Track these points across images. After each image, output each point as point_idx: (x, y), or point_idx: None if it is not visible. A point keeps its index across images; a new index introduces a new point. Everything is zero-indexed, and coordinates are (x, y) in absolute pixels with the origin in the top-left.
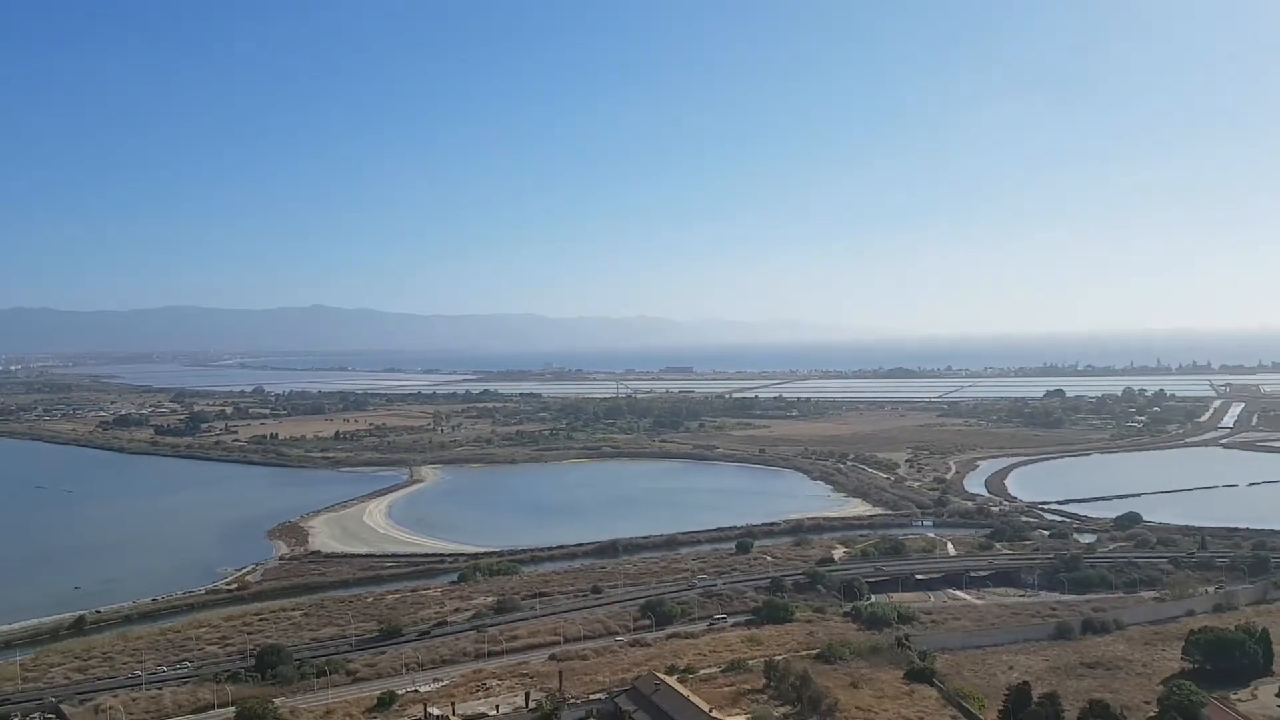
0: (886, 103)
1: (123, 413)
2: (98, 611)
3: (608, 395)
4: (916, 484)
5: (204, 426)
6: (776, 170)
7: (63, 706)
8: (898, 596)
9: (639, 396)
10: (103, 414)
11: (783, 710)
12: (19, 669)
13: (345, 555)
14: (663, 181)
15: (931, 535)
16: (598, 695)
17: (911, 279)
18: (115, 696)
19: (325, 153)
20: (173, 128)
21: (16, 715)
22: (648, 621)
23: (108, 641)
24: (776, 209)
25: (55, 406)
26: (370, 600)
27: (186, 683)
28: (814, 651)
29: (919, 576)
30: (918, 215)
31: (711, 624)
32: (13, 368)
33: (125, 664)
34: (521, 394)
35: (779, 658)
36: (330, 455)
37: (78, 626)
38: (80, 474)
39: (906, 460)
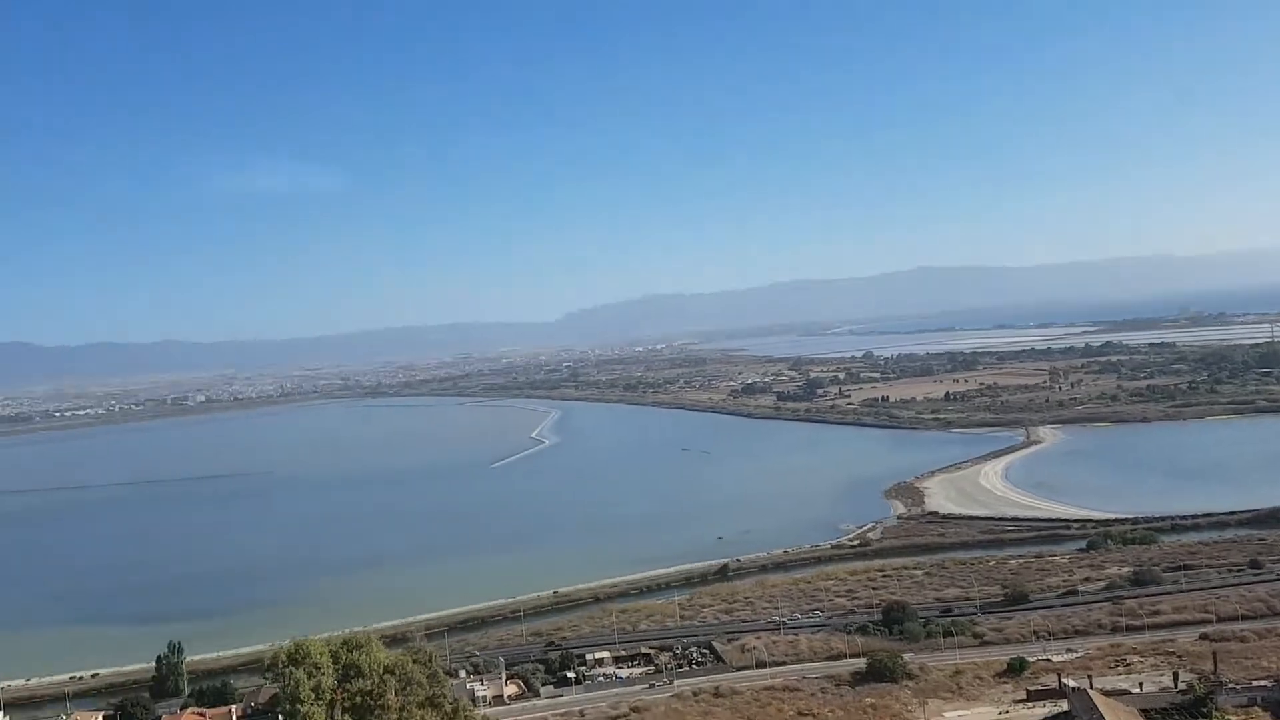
0: None
1: (749, 381)
2: (738, 560)
3: (1261, 341)
4: None
5: (819, 391)
6: None
7: (715, 643)
8: None
9: None
10: (732, 383)
11: None
12: (677, 607)
13: (963, 517)
14: None
15: None
16: (1262, 682)
17: None
18: (758, 638)
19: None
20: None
21: (678, 647)
22: None
23: (748, 588)
24: None
25: (693, 378)
26: (992, 564)
27: (819, 631)
28: None
29: None
30: None
31: None
32: (659, 346)
33: (764, 609)
34: (1151, 344)
35: None
36: (941, 416)
37: (722, 573)
38: (716, 437)
39: None
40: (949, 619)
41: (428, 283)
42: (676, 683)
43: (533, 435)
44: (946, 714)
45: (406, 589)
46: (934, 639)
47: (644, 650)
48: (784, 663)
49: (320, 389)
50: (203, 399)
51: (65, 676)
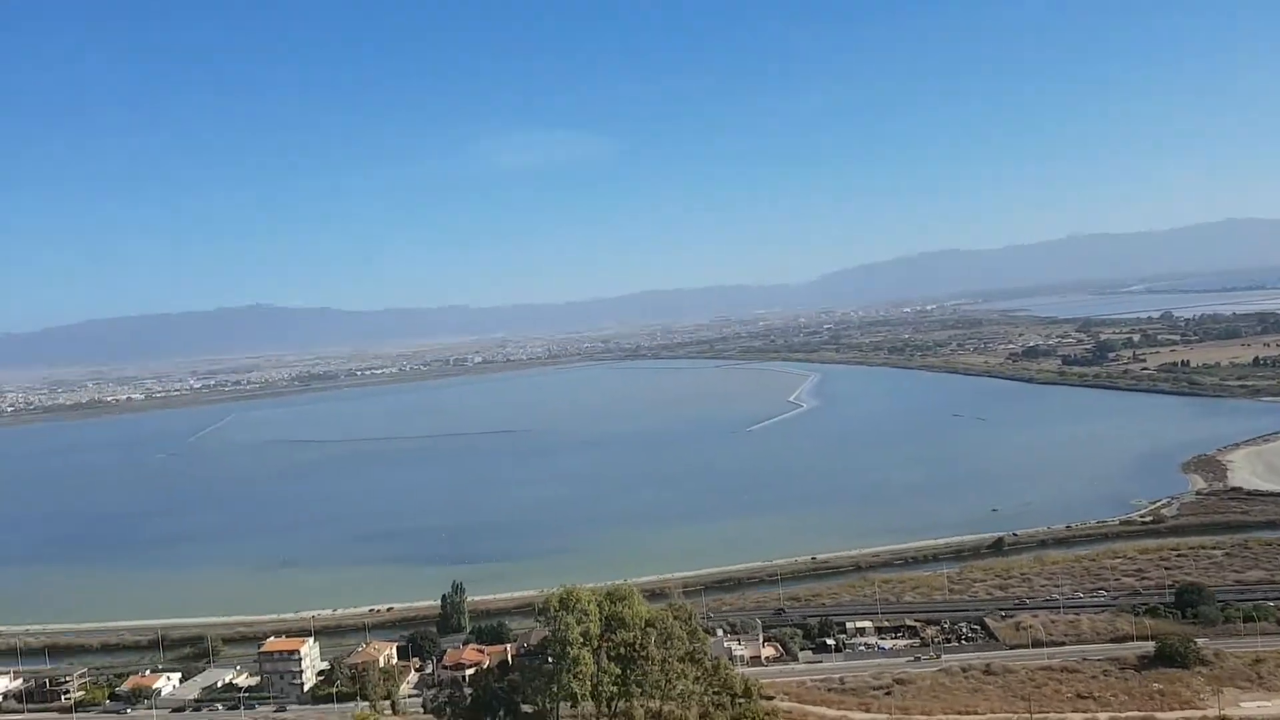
0: None
1: (1030, 344)
2: (1014, 534)
3: None
4: None
5: (1110, 355)
6: None
7: (986, 620)
8: None
9: None
10: (1010, 346)
11: None
12: (946, 580)
13: (1271, 494)
14: None
15: None
16: None
17: None
18: (1035, 616)
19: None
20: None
21: (946, 621)
22: None
23: (1024, 563)
24: None
25: (967, 341)
26: None
27: (1103, 611)
28: None
29: None
30: None
31: None
32: (929, 307)
33: (1042, 586)
34: None
35: None
36: (1248, 383)
37: (996, 547)
38: (991, 403)
39: None
40: (1250, 603)
41: (687, 246)
42: (944, 658)
43: (790, 399)
44: (1244, 704)
45: (665, 546)
46: (1232, 624)
47: (909, 622)
48: (1062, 643)
49: (583, 351)
50: (479, 360)
51: (365, 609)
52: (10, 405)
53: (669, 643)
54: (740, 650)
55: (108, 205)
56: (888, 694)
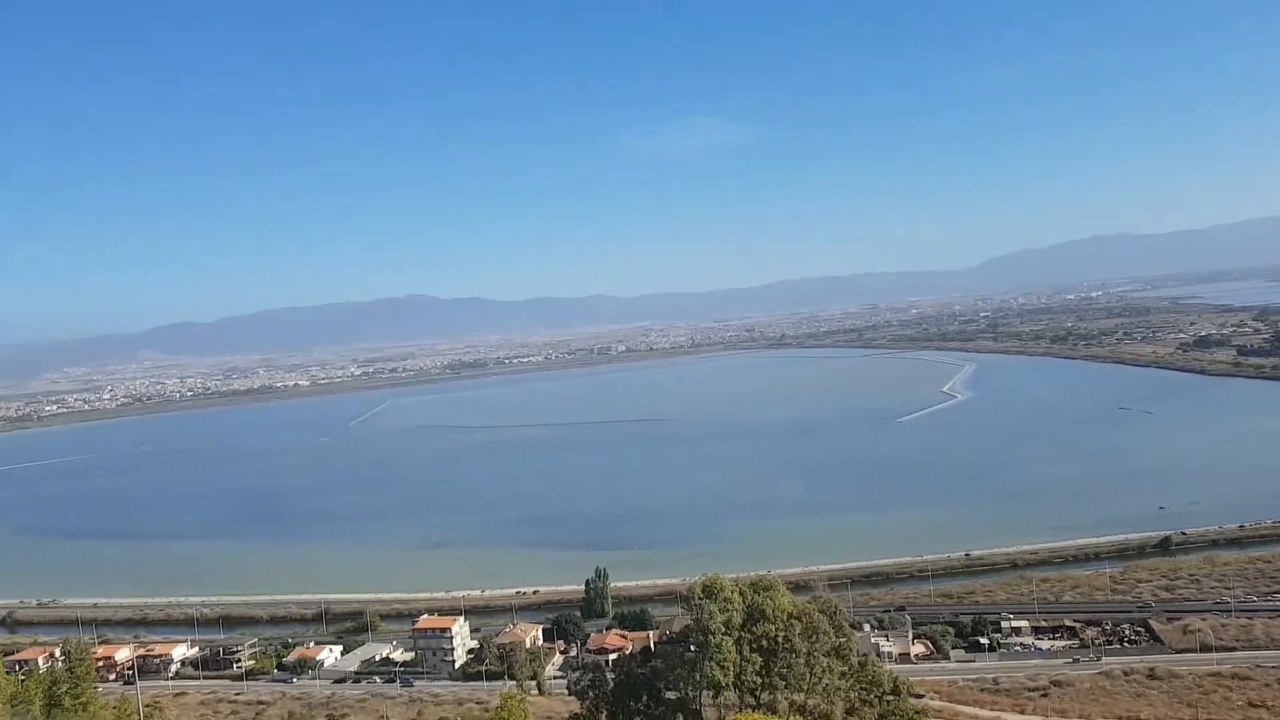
0: None
1: (1202, 334)
2: (1183, 533)
3: None
4: None
5: None
6: None
7: (1151, 621)
8: None
9: None
10: (1181, 335)
11: None
12: (1108, 580)
13: None
14: None
15: None
16: None
17: None
18: (1203, 619)
19: None
20: None
21: (1107, 623)
22: None
23: (1193, 564)
24: None
25: (1135, 329)
26: None
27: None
28: None
29: None
30: None
31: None
32: (1094, 294)
33: (1212, 588)
34: None
35: None
36: None
37: (1163, 546)
38: (1160, 396)
39: None
40: None
41: (832, 232)
42: (1105, 660)
43: (944, 389)
44: None
45: (810, 538)
46: None
47: (1068, 623)
48: (1233, 648)
49: (727, 340)
50: (623, 349)
51: (511, 591)
52: (190, 390)
53: (814, 636)
54: (889, 647)
55: (281, 204)
56: (1044, 696)
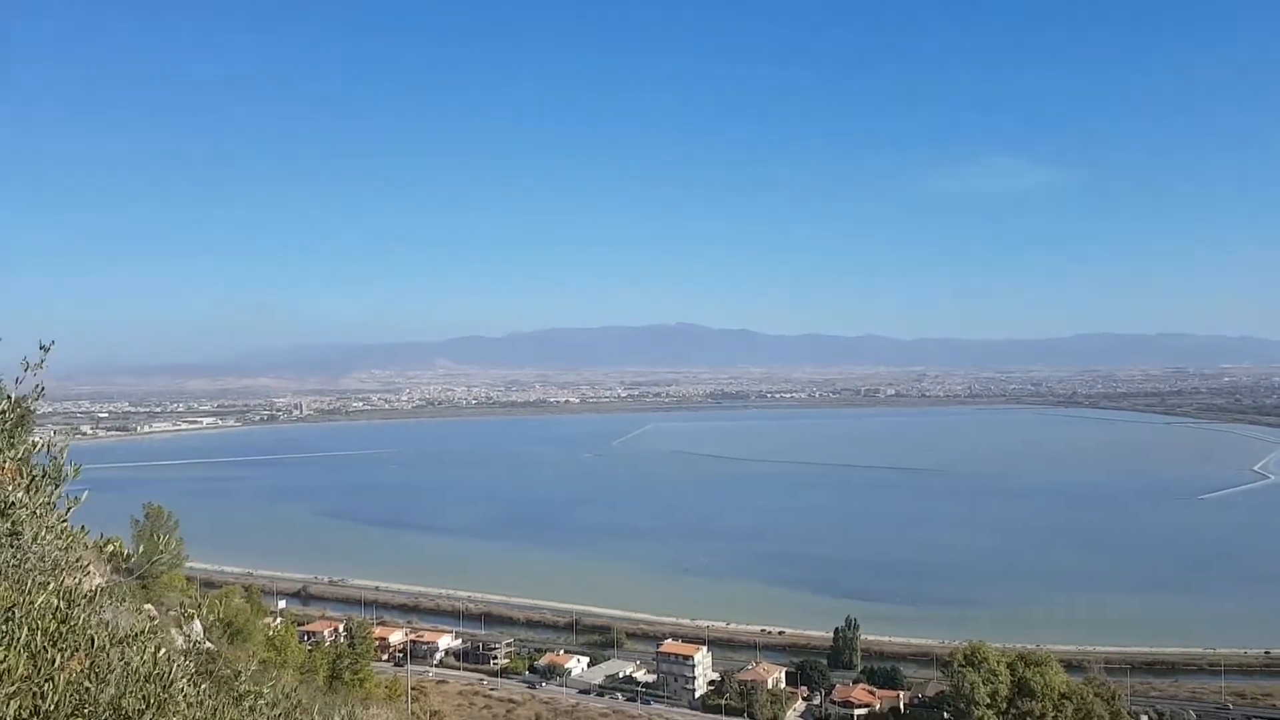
0: None
1: None
2: None
3: None
4: None
5: None
6: None
7: None
8: None
9: None
10: None
11: None
12: None
13: None
14: None
15: None
16: None
17: None
18: None
19: None
20: None
21: None
22: None
23: None
24: None
25: None
26: None
27: None
28: None
29: None
30: None
31: None
32: None
33: None
34: None
35: None
36: None
37: None
38: None
39: None
40: None
41: (1136, 286)
42: None
43: (1255, 468)
44: None
45: (1085, 613)
46: None
47: None
48: None
49: (1009, 393)
50: (892, 392)
51: (757, 628)
52: (475, 398)
53: None
54: None
55: (567, 232)
56: None
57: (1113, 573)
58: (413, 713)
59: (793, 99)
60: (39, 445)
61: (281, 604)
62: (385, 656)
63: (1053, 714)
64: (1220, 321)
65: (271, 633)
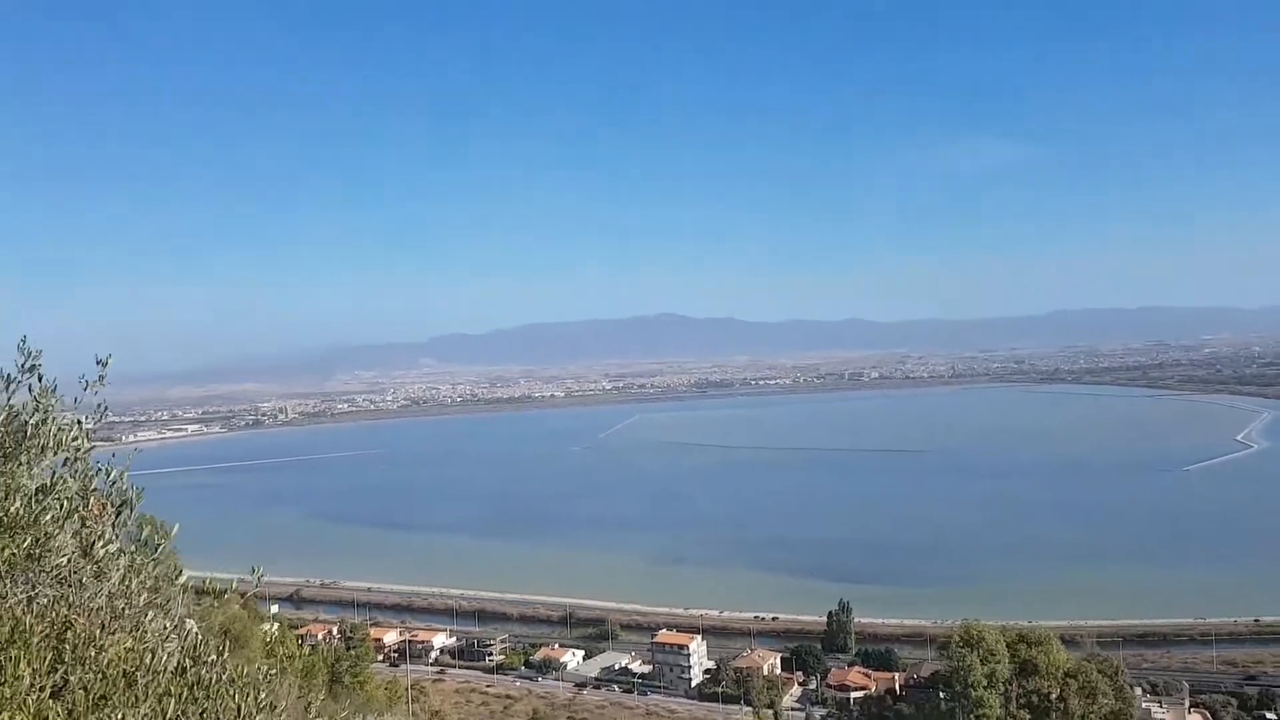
0: None
1: None
2: None
3: None
4: None
5: None
6: None
7: None
8: None
9: None
10: None
11: None
12: None
13: None
14: None
15: None
16: None
17: None
18: None
19: None
20: None
21: None
22: None
23: None
24: None
25: None
26: None
27: None
28: None
29: None
30: None
31: None
32: None
33: None
34: None
35: None
36: None
37: None
38: None
39: None
40: None
41: (1116, 261)
42: None
43: (1238, 438)
44: None
45: (1077, 588)
46: None
47: None
48: None
49: (992, 372)
50: (876, 375)
51: (750, 615)
52: (459, 396)
53: (1092, 697)
54: (1161, 714)
55: (549, 224)
56: None
57: (1102, 547)
58: (413, 713)
59: (770, 85)
60: (101, 470)
61: (274, 608)
62: (381, 657)
63: (1060, 691)
64: (1198, 293)
65: (268, 639)
